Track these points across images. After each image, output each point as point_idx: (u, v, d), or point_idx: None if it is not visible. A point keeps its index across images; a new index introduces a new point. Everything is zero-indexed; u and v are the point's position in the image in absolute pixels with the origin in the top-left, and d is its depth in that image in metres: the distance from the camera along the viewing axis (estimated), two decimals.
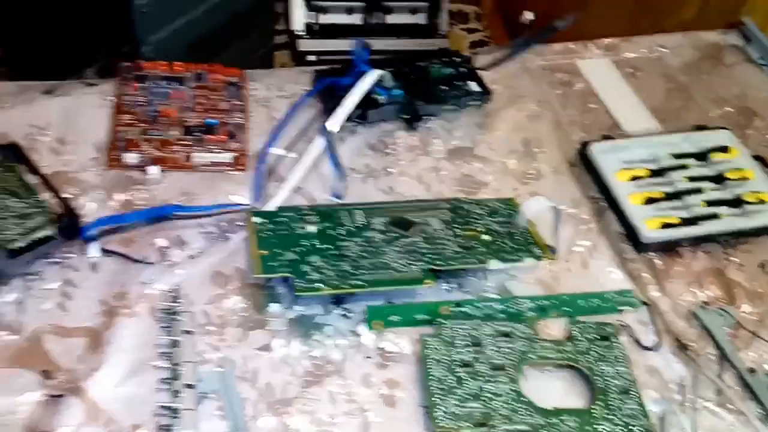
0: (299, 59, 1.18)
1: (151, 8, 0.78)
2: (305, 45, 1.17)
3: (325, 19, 1.18)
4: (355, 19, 1.20)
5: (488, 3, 1.39)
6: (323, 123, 0.59)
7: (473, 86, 0.68)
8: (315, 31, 1.17)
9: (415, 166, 0.63)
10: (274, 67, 1.12)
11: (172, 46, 0.84)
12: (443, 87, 0.67)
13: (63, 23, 0.93)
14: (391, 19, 1.20)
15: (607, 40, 0.79)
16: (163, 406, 0.44)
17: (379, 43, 1.18)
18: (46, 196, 0.52)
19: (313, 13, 1.16)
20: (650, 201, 0.60)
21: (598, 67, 0.76)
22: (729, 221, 0.60)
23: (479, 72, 0.69)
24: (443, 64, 0.69)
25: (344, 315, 0.51)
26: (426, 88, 0.67)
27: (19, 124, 0.59)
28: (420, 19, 1.22)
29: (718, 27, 0.89)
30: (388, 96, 0.65)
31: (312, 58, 1.18)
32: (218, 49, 0.93)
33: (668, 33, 0.82)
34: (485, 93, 0.68)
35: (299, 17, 1.17)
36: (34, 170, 0.53)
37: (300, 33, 1.17)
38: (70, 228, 0.51)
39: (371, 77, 0.61)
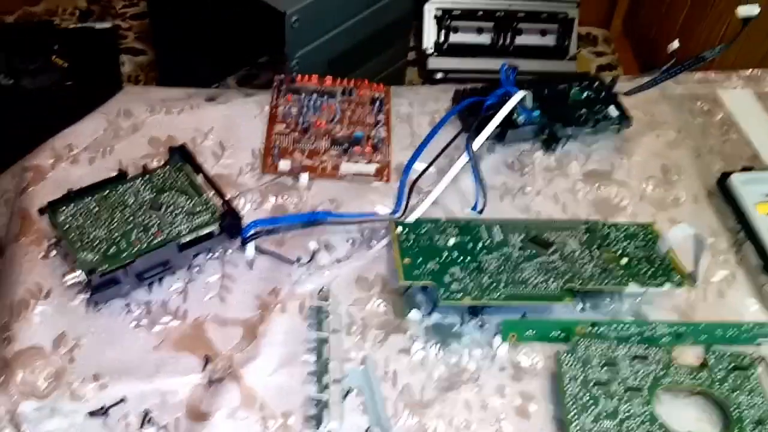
0: (427, 76, 1.22)
1: (302, 25, 0.82)
2: (434, 63, 1.20)
3: (455, 38, 1.21)
4: (485, 39, 1.22)
5: (617, 27, 1.38)
6: (466, 140, 0.61)
7: (612, 111, 0.68)
8: (444, 49, 1.20)
9: (552, 186, 0.64)
10: (405, 82, 1.15)
11: (315, 60, 0.88)
12: (582, 110, 0.68)
13: (212, 31, 1.00)
14: (520, 40, 1.22)
15: (749, 71, 0.77)
16: (312, 398, 0.48)
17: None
18: (210, 195, 0.56)
19: (444, 32, 1.19)
20: None
21: (739, 97, 0.74)
22: None
23: (619, 97, 0.69)
24: (582, 87, 0.70)
25: (480, 326, 0.53)
26: (565, 110, 0.68)
27: (186, 128, 0.65)
28: (549, 41, 1.22)
29: None
30: (528, 117, 0.66)
31: (440, 75, 1.21)
32: (356, 64, 0.97)
33: None
34: (625, 118, 0.68)
35: (430, 35, 1.20)
36: (200, 171, 0.58)
37: (430, 51, 1.20)
38: (231, 227, 0.55)
39: (515, 98, 0.63)
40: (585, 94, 0.70)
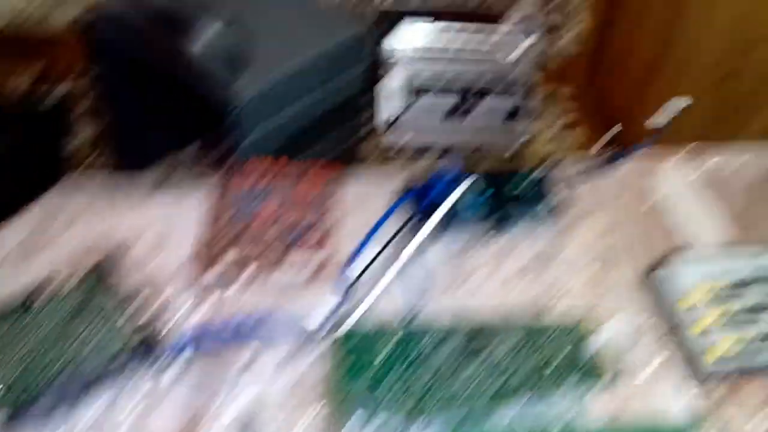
0: (385, 151, 1.23)
1: (250, 111, 0.83)
2: (391, 137, 1.22)
3: (413, 109, 1.23)
4: (445, 107, 1.24)
5: (579, 84, 1.41)
6: (411, 232, 0.63)
7: (553, 197, 0.70)
8: (402, 121, 1.22)
9: (496, 276, 0.65)
10: (361, 157, 1.17)
11: (267, 142, 0.89)
12: (524, 197, 0.70)
13: (161, 109, 1.00)
14: (483, 105, 1.24)
15: (685, 148, 0.79)
16: None
17: (466, 132, 1.24)
18: (130, 316, 0.55)
19: (402, 103, 1.21)
20: (723, 324, 0.60)
21: (675, 175, 0.76)
22: None
23: (560, 182, 0.71)
24: (523, 175, 0.72)
25: None
26: (508, 198, 0.69)
27: (121, 228, 0.65)
28: (508, 104, 1.25)
29: None
30: (473, 204, 0.67)
31: (397, 150, 1.23)
32: (309, 143, 0.99)
33: (748, 140, 0.82)
34: (561, 207, 0.70)
35: (389, 106, 1.22)
36: (122, 287, 0.57)
37: (386, 125, 1.22)
38: (149, 344, 0.55)
39: (460, 189, 0.64)
40: (524, 184, 0.71)
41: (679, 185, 0.75)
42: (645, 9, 1.27)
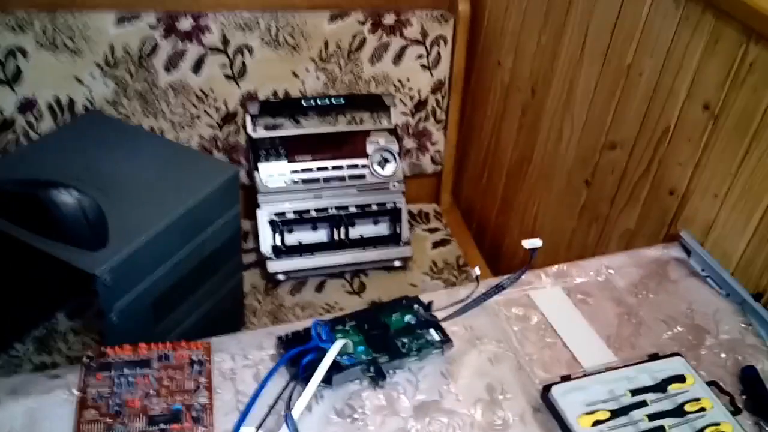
0: (269, 279, 1.22)
1: (116, 280, 0.80)
2: (274, 266, 1.21)
3: (291, 238, 1.23)
4: (321, 235, 1.25)
5: (446, 201, 1.47)
6: (286, 406, 0.60)
7: (434, 334, 0.70)
8: (282, 251, 1.21)
9: (383, 429, 0.63)
10: (244, 290, 1.14)
11: (136, 308, 0.86)
12: (404, 339, 0.69)
13: (24, 282, 0.96)
14: (355, 232, 1.25)
15: (556, 267, 0.83)
16: None
17: (346, 257, 1.25)
18: None
19: (279, 235, 1.21)
20: None
21: (550, 297, 0.79)
22: None
23: (438, 317, 0.71)
24: (402, 313, 0.72)
25: None
26: (387, 342, 0.69)
27: None
28: (383, 229, 1.27)
29: (658, 236, 0.95)
30: (351, 359, 0.66)
31: (281, 278, 1.22)
32: (186, 293, 0.96)
33: (613, 253, 0.87)
34: (446, 340, 0.70)
35: (266, 240, 1.21)
36: None
37: (268, 255, 1.21)
38: None
39: (333, 350, 0.63)
40: (406, 320, 0.72)
41: (555, 303, 0.78)
42: (502, 127, 1.36)
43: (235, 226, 1.02)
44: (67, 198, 0.82)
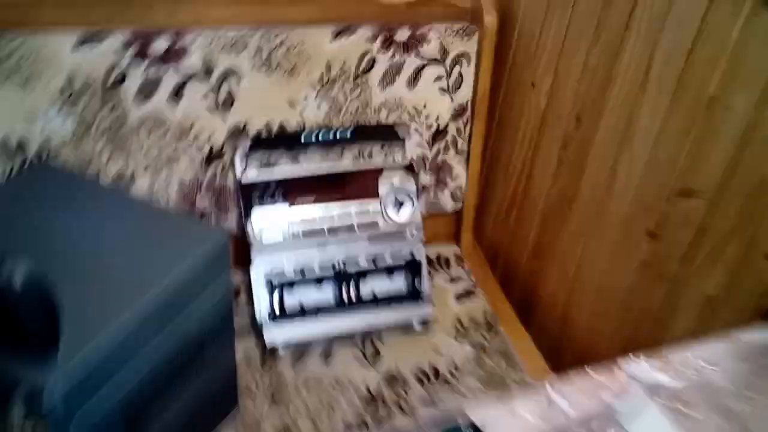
0: (268, 350, 1.02)
1: (69, 396, 0.60)
2: (272, 335, 1.01)
3: (291, 300, 1.03)
4: (326, 294, 1.05)
5: (467, 241, 1.27)
6: None
7: None
8: (281, 316, 1.02)
9: None
10: (238, 395, 0.95)
11: (104, 420, 0.66)
12: None
13: None
14: (367, 289, 1.06)
15: (637, 362, 0.64)
16: None
17: (356, 319, 1.05)
18: None
19: (277, 296, 1.01)
20: None
21: (639, 410, 0.60)
22: None
23: None
24: None
25: None
26: None
27: None
28: (399, 285, 1.08)
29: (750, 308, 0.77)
30: None
31: (282, 352, 1.02)
32: (166, 391, 0.76)
33: (704, 340, 0.68)
34: None
35: (262, 303, 1.02)
36: None
37: (264, 321, 1.01)
38: None
39: None
40: None
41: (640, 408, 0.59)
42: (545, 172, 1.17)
43: (225, 304, 0.82)
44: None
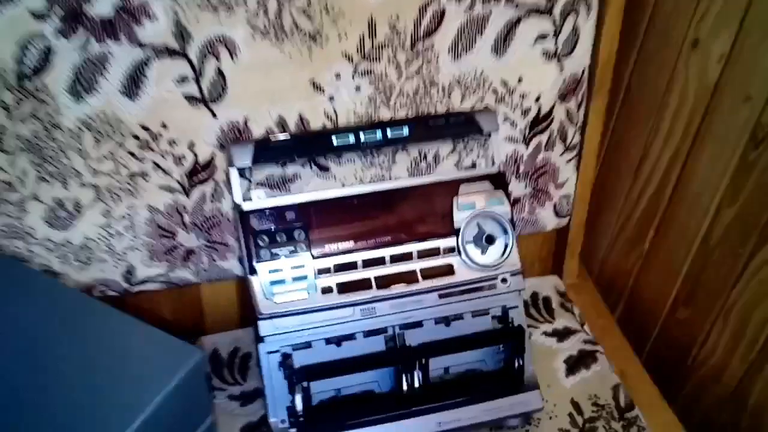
0: None
1: None
2: None
3: (325, 392, 0.67)
4: (375, 385, 0.68)
5: (573, 270, 0.89)
6: None
7: None
8: (308, 419, 0.66)
9: None
10: None
11: None
12: None
13: None
14: (439, 373, 0.69)
15: None
16: None
17: (423, 421, 0.68)
18: None
19: (300, 392, 0.65)
20: None
21: None
22: None
23: None
24: None
25: None
26: None
27: None
28: (487, 362, 0.71)
29: None
30: None
31: None
32: None
33: None
34: None
35: (277, 400, 0.66)
36: None
37: (281, 427, 0.66)
38: None
39: None
40: None
41: None
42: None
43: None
44: None
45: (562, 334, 0.82)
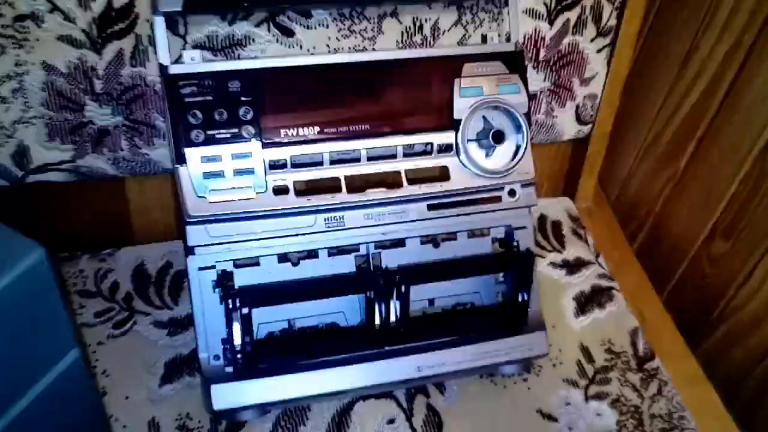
0: (218, 416, 0.51)
1: None
2: (228, 393, 0.50)
3: (273, 323, 0.51)
4: (341, 317, 0.53)
5: (589, 190, 0.73)
6: None
7: None
8: (250, 357, 0.50)
9: None
10: None
11: None
12: None
13: None
14: (422, 304, 0.54)
15: None
16: None
17: (398, 363, 0.53)
18: None
19: (240, 322, 0.49)
20: None
21: None
22: None
23: None
24: None
25: None
26: None
27: None
28: (484, 295, 0.55)
29: None
30: None
31: (248, 416, 0.51)
32: None
33: None
34: None
35: (210, 334, 0.50)
36: None
37: (215, 367, 0.50)
38: None
39: None
40: None
41: None
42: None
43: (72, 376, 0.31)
44: None
45: (572, 266, 0.67)
